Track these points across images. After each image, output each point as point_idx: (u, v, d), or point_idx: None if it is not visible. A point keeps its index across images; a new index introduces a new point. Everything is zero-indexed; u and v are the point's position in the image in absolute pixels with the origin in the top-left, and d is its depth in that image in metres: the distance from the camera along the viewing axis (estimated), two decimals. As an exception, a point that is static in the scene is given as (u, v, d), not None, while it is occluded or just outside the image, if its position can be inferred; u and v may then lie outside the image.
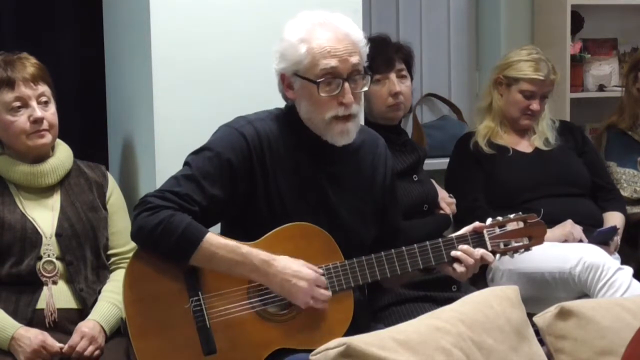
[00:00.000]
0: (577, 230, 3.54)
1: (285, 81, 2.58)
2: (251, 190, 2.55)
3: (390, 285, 2.86)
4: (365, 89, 2.61)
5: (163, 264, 2.49)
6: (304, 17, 2.58)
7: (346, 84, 2.52)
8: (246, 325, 2.49)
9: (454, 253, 2.57)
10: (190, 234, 2.45)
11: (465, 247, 2.57)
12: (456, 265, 2.58)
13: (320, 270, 2.50)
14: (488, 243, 2.60)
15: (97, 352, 2.74)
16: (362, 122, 3.00)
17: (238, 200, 2.55)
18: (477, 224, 2.62)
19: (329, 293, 2.49)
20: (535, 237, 2.66)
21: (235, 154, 2.53)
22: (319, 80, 2.51)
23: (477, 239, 2.60)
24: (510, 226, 2.64)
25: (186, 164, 2.57)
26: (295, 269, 2.47)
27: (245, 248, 2.47)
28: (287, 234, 2.53)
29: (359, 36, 2.58)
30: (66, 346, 2.71)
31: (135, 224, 2.51)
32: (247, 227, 2.56)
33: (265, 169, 2.56)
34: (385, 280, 2.62)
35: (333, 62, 2.51)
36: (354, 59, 2.54)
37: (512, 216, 2.65)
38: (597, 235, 3.53)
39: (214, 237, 2.47)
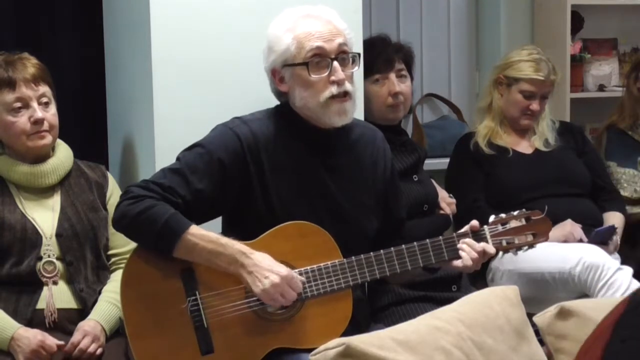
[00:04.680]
0: (577, 230, 3.54)
1: (277, 76, 2.60)
2: (247, 191, 2.56)
3: (392, 281, 2.86)
4: (356, 69, 2.63)
5: (161, 263, 2.49)
6: (287, 12, 2.63)
7: (335, 62, 2.55)
8: (244, 324, 2.49)
9: (458, 246, 2.56)
10: (172, 224, 2.45)
11: (468, 240, 2.57)
12: (460, 260, 2.56)
13: (302, 278, 2.48)
14: (489, 241, 2.59)
15: (99, 350, 2.75)
16: (362, 118, 3.02)
17: (230, 199, 2.56)
18: (473, 222, 2.61)
19: (294, 294, 2.47)
20: (539, 234, 2.63)
21: (228, 153, 2.54)
22: (308, 60, 2.53)
23: (478, 236, 2.59)
24: (513, 223, 2.62)
25: (177, 159, 2.59)
26: (272, 264, 2.45)
27: (224, 239, 2.48)
28: (285, 232, 2.53)
29: (343, 24, 2.62)
30: (68, 344, 2.71)
31: (117, 212, 2.53)
32: (247, 226, 2.56)
33: (261, 169, 2.56)
34: (386, 277, 2.62)
35: (319, 42, 2.55)
36: (339, 40, 2.57)
37: (515, 213, 2.63)
38: (596, 235, 3.53)
39: (196, 229, 2.47)
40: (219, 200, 2.55)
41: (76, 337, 2.73)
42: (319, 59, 2.54)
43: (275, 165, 2.57)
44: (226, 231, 2.64)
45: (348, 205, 2.64)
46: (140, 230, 2.49)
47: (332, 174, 2.63)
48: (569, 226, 3.53)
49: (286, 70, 2.58)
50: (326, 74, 2.54)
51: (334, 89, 2.54)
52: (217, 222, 2.68)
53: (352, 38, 2.65)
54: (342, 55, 2.57)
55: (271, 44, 2.60)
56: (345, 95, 2.56)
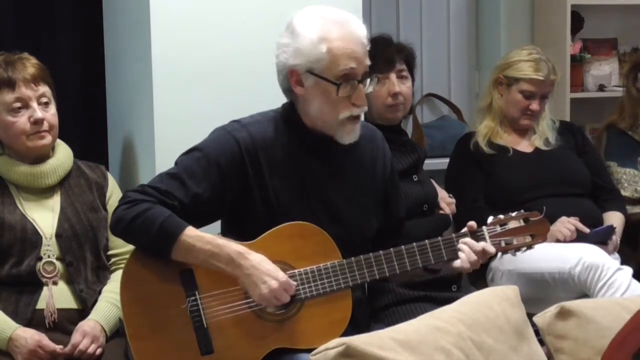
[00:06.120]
0: (565, 228, 3.51)
1: (294, 76, 2.55)
2: (245, 194, 2.55)
3: (393, 281, 2.86)
4: (371, 89, 2.61)
5: (160, 264, 2.49)
6: (316, 12, 2.55)
7: (360, 86, 2.53)
8: (244, 324, 2.49)
9: (458, 246, 2.55)
10: (169, 226, 2.45)
11: (467, 239, 2.56)
12: (458, 261, 2.55)
13: (294, 283, 2.49)
14: (488, 241, 2.59)
15: (99, 351, 2.75)
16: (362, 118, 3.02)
17: (229, 203, 2.56)
18: (470, 223, 2.60)
19: (288, 298, 2.47)
20: (537, 235, 2.63)
21: (225, 157, 2.53)
22: (339, 82, 2.50)
23: (477, 237, 2.59)
24: (512, 224, 2.62)
25: (175, 163, 2.59)
26: (270, 267, 2.45)
27: (221, 240, 2.48)
28: (285, 233, 2.52)
29: (367, 36, 2.58)
30: (69, 345, 2.71)
31: (113, 217, 2.53)
32: (246, 228, 2.56)
33: (260, 172, 2.55)
34: (386, 278, 2.61)
35: (353, 64, 2.51)
36: (367, 61, 2.55)
37: (513, 214, 2.63)
38: (593, 235, 3.52)
39: (192, 230, 2.47)
40: (217, 204, 2.55)
41: (76, 338, 2.73)
42: (347, 78, 2.51)
43: (274, 167, 2.57)
44: (225, 233, 2.64)
45: (348, 207, 2.64)
46: (137, 233, 2.48)
47: (331, 175, 2.63)
48: (557, 224, 3.51)
49: (308, 77, 2.53)
50: (349, 94, 2.52)
51: (354, 111, 2.54)
52: (217, 223, 2.68)
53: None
54: (365, 75, 2.55)
55: (300, 45, 2.51)
56: (359, 116, 2.57)
